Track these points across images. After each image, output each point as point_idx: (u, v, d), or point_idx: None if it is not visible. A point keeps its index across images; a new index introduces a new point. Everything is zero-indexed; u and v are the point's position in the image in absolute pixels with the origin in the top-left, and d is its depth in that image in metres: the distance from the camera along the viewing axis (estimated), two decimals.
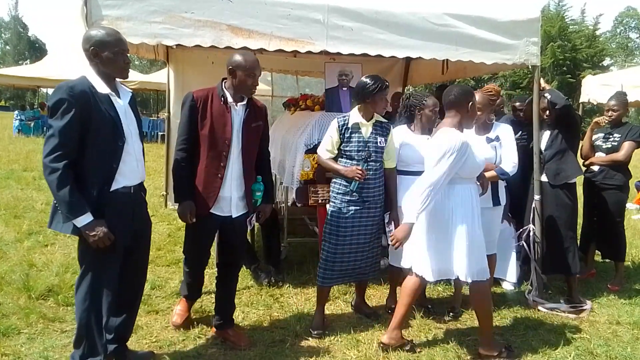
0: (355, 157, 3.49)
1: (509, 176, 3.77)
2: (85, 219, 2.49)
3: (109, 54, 2.61)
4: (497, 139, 3.78)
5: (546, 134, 4.27)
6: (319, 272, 3.59)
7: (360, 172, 3.42)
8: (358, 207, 3.51)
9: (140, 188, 2.84)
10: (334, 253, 3.54)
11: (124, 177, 2.66)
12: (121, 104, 2.67)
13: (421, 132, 3.82)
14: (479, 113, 3.73)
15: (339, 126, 3.52)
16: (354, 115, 3.54)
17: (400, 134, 3.85)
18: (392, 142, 3.64)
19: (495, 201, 3.80)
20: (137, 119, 2.80)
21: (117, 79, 2.75)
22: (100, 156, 2.57)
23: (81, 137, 2.50)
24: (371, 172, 3.51)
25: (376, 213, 3.61)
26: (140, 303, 3.15)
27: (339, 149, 3.57)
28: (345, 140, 3.52)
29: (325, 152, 3.61)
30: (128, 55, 2.74)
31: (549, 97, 4.12)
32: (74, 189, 2.46)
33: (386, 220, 3.75)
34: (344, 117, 3.57)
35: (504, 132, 3.82)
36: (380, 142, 3.54)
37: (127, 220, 2.69)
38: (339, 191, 3.54)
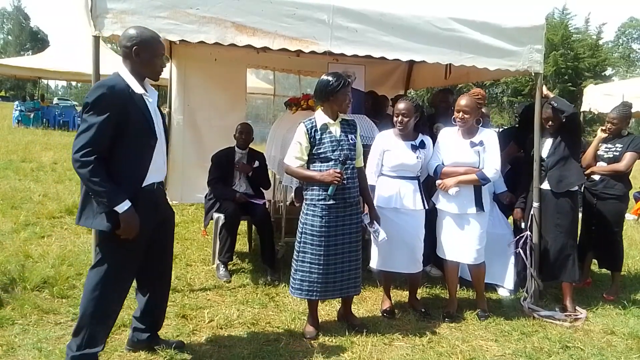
0: (332, 158, 3.33)
1: (489, 181, 3.79)
2: (126, 204, 2.55)
3: (149, 55, 2.69)
4: (481, 143, 3.78)
5: (548, 142, 4.24)
6: (299, 284, 3.43)
7: (338, 175, 3.28)
8: (341, 211, 3.40)
9: (161, 183, 2.93)
10: (318, 264, 3.38)
11: (152, 175, 2.75)
12: (151, 104, 2.75)
13: (402, 137, 3.81)
14: (466, 116, 3.76)
15: (307, 130, 3.36)
16: (320, 117, 3.41)
17: (384, 139, 3.86)
18: (359, 140, 3.58)
19: (479, 206, 3.80)
20: (162, 118, 2.89)
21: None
22: (135, 155, 2.65)
23: (116, 136, 2.55)
24: (349, 172, 3.38)
25: (358, 213, 3.52)
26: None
27: (309, 154, 3.40)
28: (316, 143, 3.36)
29: (295, 160, 3.40)
30: (164, 58, 2.82)
31: (555, 104, 4.08)
32: (109, 179, 2.52)
33: (367, 221, 3.61)
34: (310, 120, 3.42)
35: (488, 137, 3.81)
36: (351, 139, 3.44)
37: (151, 216, 2.75)
38: (319, 197, 3.36)
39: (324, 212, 3.37)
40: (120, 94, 2.56)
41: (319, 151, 3.37)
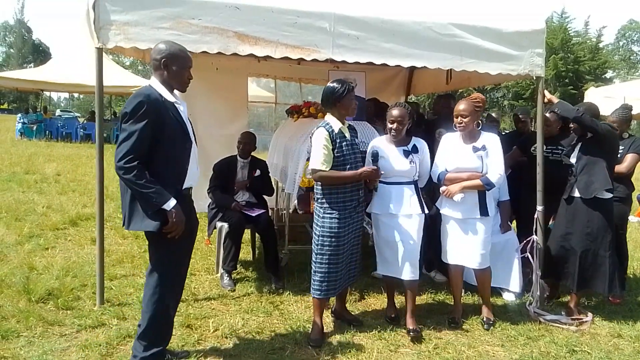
0: (350, 161, 3.47)
1: (494, 187, 3.75)
2: (173, 201, 2.72)
3: (177, 67, 2.85)
4: (484, 148, 3.76)
5: (577, 147, 4.13)
6: (318, 285, 3.51)
7: (375, 169, 3.48)
8: (353, 212, 3.54)
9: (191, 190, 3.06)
10: (335, 263, 3.50)
11: (189, 179, 2.91)
12: (183, 111, 2.91)
13: (395, 143, 3.77)
14: (465, 120, 3.75)
15: (329, 134, 3.43)
16: (334, 122, 3.49)
17: (378, 145, 3.82)
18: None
19: (483, 211, 3.77)
20: (191, 126, 3.01)
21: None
22: (174, 158, 2.82)
23: (154, 142, 2.71)
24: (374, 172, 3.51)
25: (363, 210, 3.68)
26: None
27: None
28: (336, 147, 3.44)
29: (324, 164, 3.42)
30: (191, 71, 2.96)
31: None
32: (153, 180, 2.67)
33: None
34: (327, 124, 3.48)
35: (491, 141, 3.79)
36: (357, 142, 3.63)
37: (188, 219, 2.86)
38: (338, 200, 3.47)
39: (341, 214, 3.47)
40: (155, 102, 2.73)
41: (338, 155, 3.45)
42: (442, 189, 3.86)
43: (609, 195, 3.99)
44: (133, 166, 2.62)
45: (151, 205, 2.69)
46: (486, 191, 3.78)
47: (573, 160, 4.12)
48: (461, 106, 3.78)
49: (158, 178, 2.71)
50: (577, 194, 4.03)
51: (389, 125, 3.74)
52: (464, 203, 3.78)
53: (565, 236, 4.10)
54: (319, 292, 3.53)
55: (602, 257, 3.97)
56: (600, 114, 7.32)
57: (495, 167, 3.72)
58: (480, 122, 3.85)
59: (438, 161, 3.92)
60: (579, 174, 4.02)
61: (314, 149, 3.46)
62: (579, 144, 4.13)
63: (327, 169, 3.42)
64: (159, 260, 2.87)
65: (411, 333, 3.62)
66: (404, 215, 3.72)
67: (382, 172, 3.56)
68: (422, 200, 3.79)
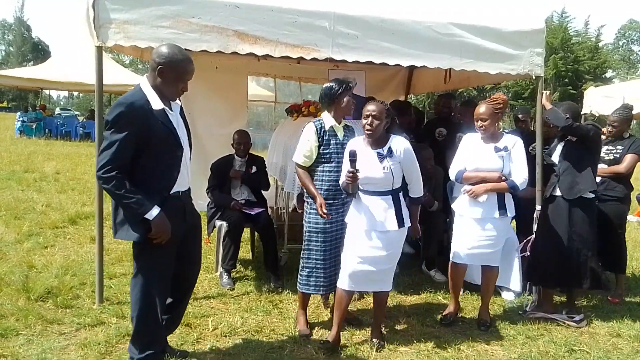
0: (336, 160, 3.48)
1: (519, 190, 3.67)
2: (156, 210, 2.64)
3: (173, 77, 2.69)
4: (505, 149, 3.70)
5: (560, 146, 4.13)
6: (305, 280, 3.57)
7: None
8: (340, 209, 3.54)
9: (187, 191, 2.96)
10: (322, 259, 3.53)
11: (177, 185, 2.82)
12: (174, 116, 2.79)
13: (371, 145, 3.37)
14: (485, 124, 3.70)
15: (316, 129, 3.48)
16: (328, 119, 3.53)
17: (353, 146, 3.34)
18: None
19: (502, 211, 3.72)
20: (186, 127, 2.91)
21: None
22: (162, 166, 2.72)
23: (140, 150, 2.62)
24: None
25: None
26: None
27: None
28: (323, 143, 3.49)
29: (304, 158, 3.50)
30: (188, 83, 2.80)
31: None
32: (134, 188, 2.60)
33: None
34: (319, 120, 3.54)
35: (514, 143, 3.71)
36: None
37: (179, 222, 2.81)
38: (322, 197, 3.49)
39: (327, 210, 3.46)
40: (139, 111, 2.60)
41: (325, 151, 3.49)
42: (467, 188, 3.78)
43: (592, 195, 3.98)
44: (112, 176, 2.56)
45: (133, 214, 2.64)
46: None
47: (554, 159, 4.11)
48: (481, 109, 3.71)
49: (144, 185, 2.64)
50: (558, 192, 4.02)
51: (363, 121, 3.31)
52: (484, 203, 3.74)
53: (549, 239, 4.04)
54: (307, 287, 3.58)
55: (586, 256, 3.98)
56: (600, 113, 7.35)
57: (520, 171, 3.66)
58: (499, 124, 3.78)
59: (457, 160, 3.86)
60: (561, 174, 4.00)
61: (300, 142, 3.54)
62: (561, 144, 4.12)
63: (306, 165, 3.52)
64: (142, 265, 2.80)
65: (374, 344, 3.43)
66: (378, 232, 3.31)
67: (358, 172, 3.17)
68: (402, 213, 3.36)
